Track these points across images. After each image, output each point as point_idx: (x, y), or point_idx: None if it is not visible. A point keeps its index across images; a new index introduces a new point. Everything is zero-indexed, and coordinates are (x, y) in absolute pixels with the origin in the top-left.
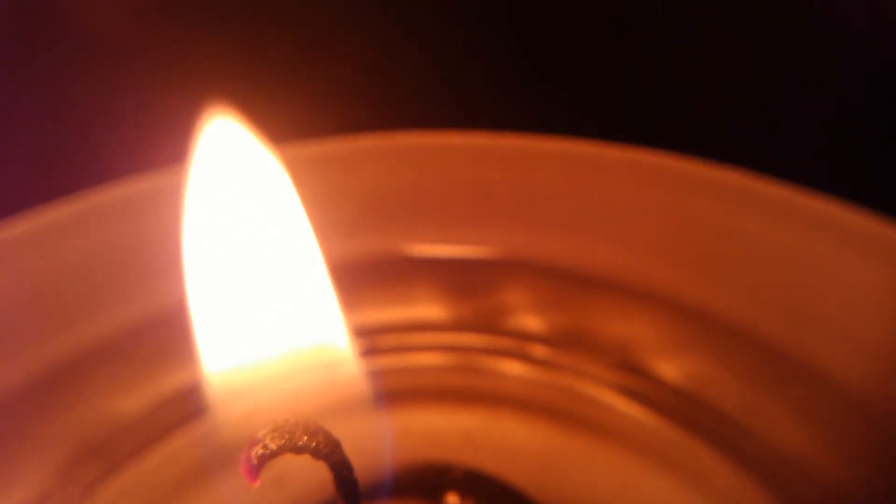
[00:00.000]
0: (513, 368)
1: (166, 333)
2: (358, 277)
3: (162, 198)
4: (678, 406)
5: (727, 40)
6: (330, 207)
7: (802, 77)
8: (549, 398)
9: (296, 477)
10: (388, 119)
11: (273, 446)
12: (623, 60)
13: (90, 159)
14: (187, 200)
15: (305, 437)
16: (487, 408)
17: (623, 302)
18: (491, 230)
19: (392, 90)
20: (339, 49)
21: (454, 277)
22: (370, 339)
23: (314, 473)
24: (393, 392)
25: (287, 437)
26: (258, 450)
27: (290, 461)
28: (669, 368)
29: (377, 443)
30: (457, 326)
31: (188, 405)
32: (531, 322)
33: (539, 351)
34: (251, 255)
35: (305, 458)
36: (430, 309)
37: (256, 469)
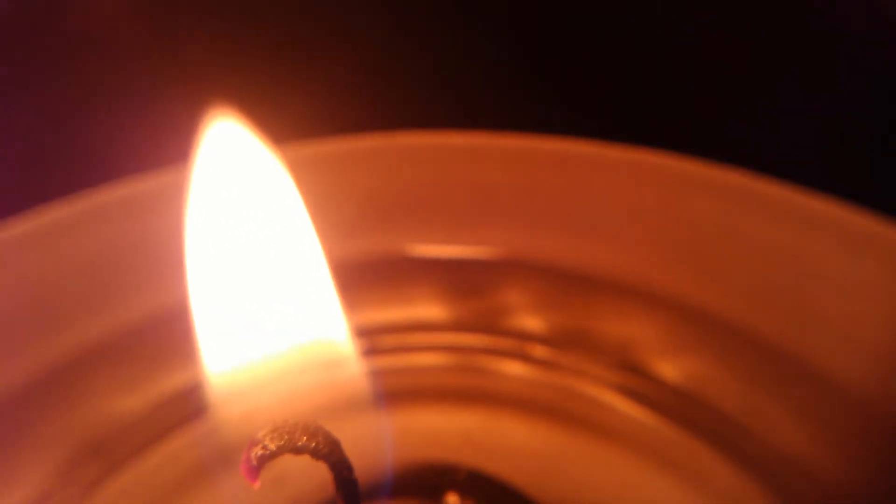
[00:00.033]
0: (513, 368)
1: (166, 333)
2: (358, 277)
3: (162, 198)
4: (678, 406)
5: (727, 40)
6: (330, 207)
7: (802, 77)
8: (550, 398)
9: (296, 477)
10: (388, 119)
11: (272, 447)
12: (623, 60)
13: (91, 159)
14: (188, 200)
15: (305, 438)
16: (488, 408)
17: (623, 302)
18: (491, 230)
19: (392, 90)
20: (339, 49)
21: (454, 277)
22: (370, 339)
23: (314, 473)
24: (393, 392)
25: (286, 437)
26: (258, 450)
27: (290, 461)
28: (669, 368)
29: (377, 443)
30: (457, 326)
31: (188, 405)
32: (531, 322)
33: (539, 351)
34: (253, 255)
35: (305, 459)
36: (430, 309)
37: (256, 470)
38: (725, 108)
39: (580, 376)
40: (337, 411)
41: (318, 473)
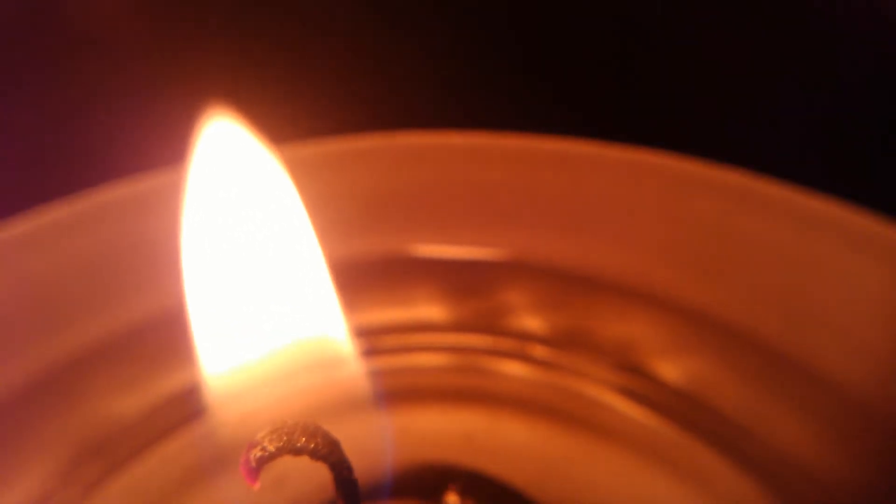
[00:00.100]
0: (513, 369)
1: (166, 334)
2: (358, 278)
3: (162, 198)
4: (678, 407)
5: (727, 40)
6: (330, 208)
7: (802, 77)
8: (550, 399)
9: (296, 478)
10: (388, 119)
11: (272, 448)
12: (623, 60)
13: (90, 159)
14: (187, 201)
15: (304, 439)
16: (488, 408)
17: (623, 302)
18: (491, 230)
19: (392, 90)
20: (339, 49)
21: (454, 278)
22: (371, 340)
23: (314, 474)
24: (393, 392)
25: (286, 438)
26: (257, 452)
27: (290, 462)
28: (670, 369)
29: (377, 443)
30: (457, 327)
31: (188, 406)
32: (532, 322)
33: (539, 351)
34: (251, 256)
35: (305, 459)
36: (430, 309)
37: (256, 471)
38: (725, 108)
39: (581, 377)
40: (337, 412)
41: (319, 474)
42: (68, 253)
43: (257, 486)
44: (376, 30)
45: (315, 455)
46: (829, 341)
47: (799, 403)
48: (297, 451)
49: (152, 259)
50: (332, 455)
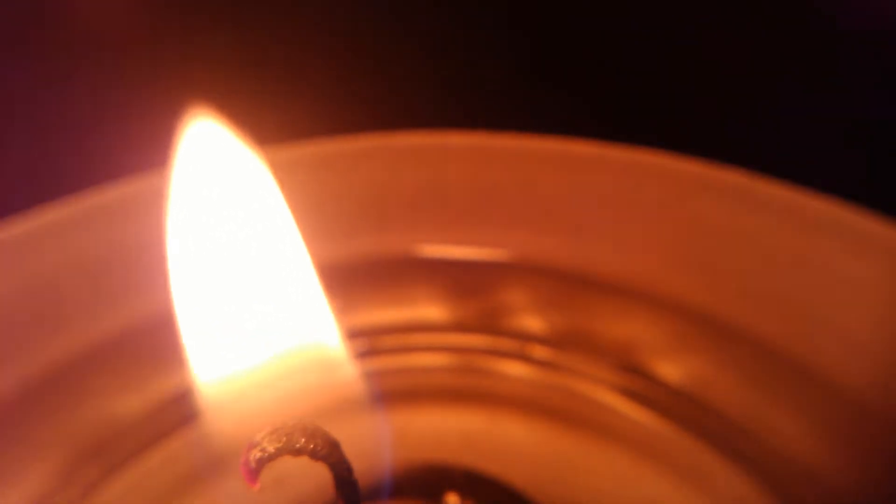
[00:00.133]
0: (513, 369)
1: (166, 334)
2: (358, 278)
3: (161, 198)
4: (679, 407)
5: (727, 40)
6: (330, 208)
7: (802, 77)
8: (550, 399)
9: (296, 478)
10: (389, 119)
11: (271, 449)
12: (623, 60)
13: (84, 161)
14: (185, 202)
15: (303, 439)
16: (488, 409)
17: (623, 303)
18: (491, 230)
19: (392, 90)
20: (339, 49)
21: (455, 278)
22: (371, 340)
23: (315, 474)
24: (393, 393)
25: (285, 439)
26: (256, 453)
27: (290, 462)
28: (670, 369)
29: (377, 443)
30: (457, 327)
31: (188, 407)
32: (532, 323)
33: (540, 352)
34: (242, 259)
35: (305, 459)
36: (430, 309)
37: (255, 472)
38: (725, 108)
39: (581, 377)
40: (337, 412)
41: (319, 474)
42: (68, 253)
43: (257, 486)
44: (376, 30)
45: (314, 456)
46: (829, 341)
47: (799, 403)
48: (297, 452)
49: (152, 259)
50: (331, 455)
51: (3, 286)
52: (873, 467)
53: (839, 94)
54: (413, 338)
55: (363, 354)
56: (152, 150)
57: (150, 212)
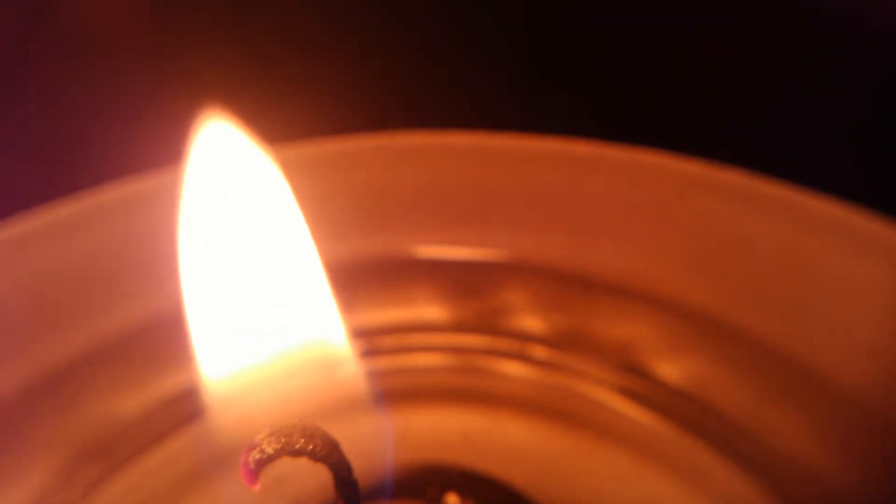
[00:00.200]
0: (513, 369)
1: (166, 334)
2: (358, 278)
3: (161, 198)
4: (678, 407)
5: (727, 40)
6: (331, 208)
7: (802, 77)
8: (550, 399)
9: (297, 478)
10: (389, 119)
11: (270, 450)
12: (623, 60)
13: (87, 160)
14: (186, 202)
15: (302, 440)
16: (488, 409)
17: (623, 303)
18: (491, 230)
19: (393, 90)
20: (339, 49)
21: (454, 278)
22: (371, 340)
23: (315, 474)
24: (393, 393)
25: (284, 440)
26: (256, 454)
27: (291, 462)
28: (670, 369)
29: (378, 443)
30: (457, 327)
31: (188, 406)
32: (531, 323)
33: (539, 352)
34: (248, 257)
35: (306, 459)
36: (430, 310)
37: (255, 473)
38: (725, 108)
39: (580, 377)
40: (337, 412)
41: (320, 474)
42: (68, 253)
43: (257, 487)
44: (377, 30)
45: (314, 456)
46: (829, 341)
47: (799, 403)
48: (296, 453)
49: (152, 259)
50: (330, 456)
51: (5, 285)
52: (873, 467)
53: (839, 94)
54: (413, 338)
55: (363, 354)
56: (157, 150)
57: (150, 212)
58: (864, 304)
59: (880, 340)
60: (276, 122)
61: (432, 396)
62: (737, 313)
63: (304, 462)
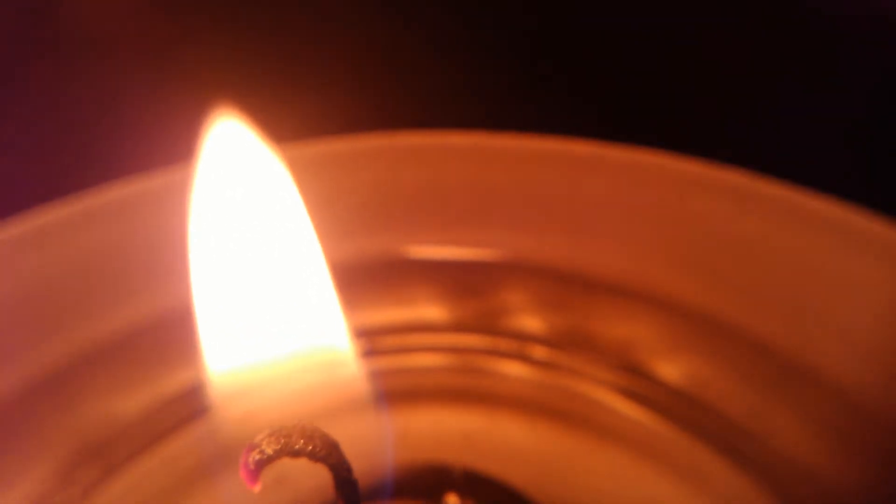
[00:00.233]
0: (513, 369)
1: (166, 334)
2: (358, 278)
3: (163, 198)
4: (678, 407)
5: (727, 40)
6: (330, 208)
7: (802, 77)
8: (550, 399)
9: (297, 478)
10: (389, 119)
11: (270, 451)
12: (623, 60)
13: (93, 159)
14: (189, 200)
15: (302, 441)
16: (487, 409)
17: (623, 303)
18: (491, 231)
19: (392, 90)
20: (340, 49)
21: (454, 278)
22: (370, 340)
23: (316, 474)
24: (393, 393)
25: (283, 441)
26: (255, 455)
27: (291, 462)
28: (670, 369)
29: (378, 443)
30: (457, 327)
31: (188, 406)
32: (531, 323)
33: (539, 352)
34: (254, 256)
35: (306, 460)
36: (430, 310)
37: (255, 474)
38: (725, 108)
39: (580, 377)
40: (337, 412)
41: (320, 474)
42: (68, 253)
43: (257, 488)
44: (377, 30)
45: (313, 457)
46: (829, 341)
47: (799, 404)
48: (295, 454)
49: (152, 259)
50: (330, 457)
51: (5, 285)
52: (873, 467)
53: (839, 94)
54: (413, 338)
55: (363, 355)
56: (163, 148)
57: (153, 211)
58: (864, 304)
59: (880, 340)
60: (277, 122)
61: (432, 396)
62: (737, 313)
63: (304, 462)
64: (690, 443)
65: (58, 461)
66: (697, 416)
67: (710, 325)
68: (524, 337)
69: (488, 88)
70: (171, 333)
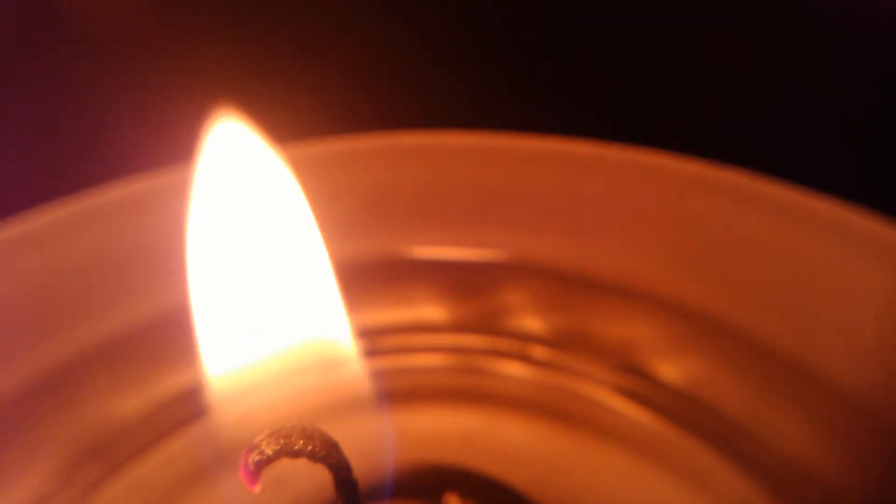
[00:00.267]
0: (513, 369)
1: (166, 334)
2: (358, 278)
3: (163, 198)
4: (679, 408)
5: (727, 40)
6: (330, 208)
7: (802, 77)
8: (550, 399)
9: (297, 478)
10: (389, 119)
11: (269, 452)
12: (623, 60)
13: (92, 159)
14: (190, 200)
15: (301, 441)
16: (488, 409)
17: (623, 303)
18: (491, 231)
19: (393, 90)
20: (340, 49)
21: (454, 278)
22: (371, 340)
23: (316, 474)
24: (393, 393)
25: (283, 441)
26: (255, 456)
27: (291, 462)
28: (670, 370)
29: (378, 443)
30: (457, 327)
31: (189, 406)
32: (531, 323)
33: (539, 352)
34: (255, 255)
35: (306, 460)
36: (430, 310)
37: (254, 474)
38: (725, 108)
39: (580, 377)
40: (338, 412)
41: (320, 474)
42: (68, 253)
43: (257, 489)
44: (378, 30)
45: (313, 457)
46: (829, 341)
47: (799, 404)
48: (295, 454)
49: (151, 259)
50: (329, 457)
51: (5, 285)
52: (873, 467)
53: (839, 94)
54: (413, 338)
55: (364, 355)
56: (164, 148)
57: (150, 213)
58: (864, 304)
59: (880, 340)
60: (277, 121)
61: (432, 396)
62: (737, 313)
63: (304, 462)
64: (690, 443)
65: (58, 461)
66: (697, 416)
67: (710, 325)
68: (524, 337)
69: (488, 88)
70: (171, 334)
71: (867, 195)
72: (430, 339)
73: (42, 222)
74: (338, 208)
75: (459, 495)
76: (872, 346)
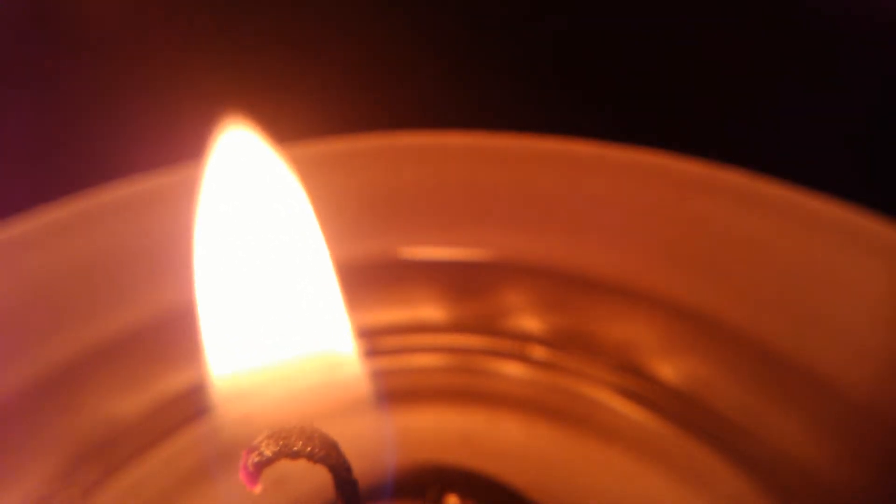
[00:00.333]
0: (512, 370)
1: (167, 335)
2: (358, 278)
3: (164, 198)
4: (678, 408)
5: (727, 40)
6: (329, 208)
7: (802, 77)
8: (549, 399)
9: (297, 478)
10: (388, 119)
11: (269, 453)
12: (623, 60)
13: (95, 159)
14: (192, 200)
15: (301, 442)
16: (487, 409)
17: (623, 303)
18: (490, 231)
19: (392, 90)
20: (340, 49)
21: (454, 278)
22: (370, 341)
23: (316, 474)
24: (393, 393)
25: (283, 442)
26: (254, 457)
27: (291, 463)
28: (669, 370)
29: (378, 444)
30: (456, 328)
31: (189, 407)
32: (531, 323)
33: (538, 352)
34: (258, 256)
35: (306, 460)
36: (429, 310)
37: (254, 475)
38: (725, 108)
39: (579, 377)
40: (338, 412)
41: (321, 474)
42: (69, 253)
43: (257, 490)
44: (378, 31)
45: (312, 458)
46: (829, 341)
47: (798, 404)
48: (294, 455)
49: (153, 259)
50: (329, 457)
51: (5, 285)
52: (873, 467)
53: (839, 94)
54: (412, 338)
55: (363, 355)
56: (167, 149)
57: (152, 212)
58: (865, 304)
59: (880, 340)
60: (277, 121)
61: (432, 396)
62: (736, 314)
63: (304, 463)
64: (690, 443)
65: (58, 461)
66: (697, 416)
67: (710, 325)
68: (523, 337)
69: (488, 88)
70: (172, 334)
71: (867, 195)
72: (430, 340)
73: (44, 222)
74: (338, 208)
75: (459, 495)
76: (872, 346)
